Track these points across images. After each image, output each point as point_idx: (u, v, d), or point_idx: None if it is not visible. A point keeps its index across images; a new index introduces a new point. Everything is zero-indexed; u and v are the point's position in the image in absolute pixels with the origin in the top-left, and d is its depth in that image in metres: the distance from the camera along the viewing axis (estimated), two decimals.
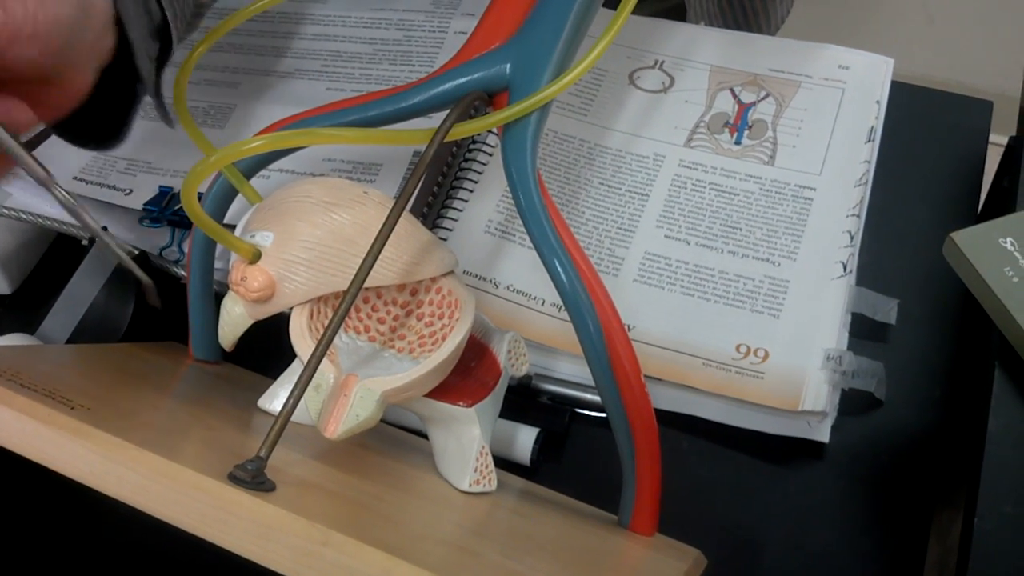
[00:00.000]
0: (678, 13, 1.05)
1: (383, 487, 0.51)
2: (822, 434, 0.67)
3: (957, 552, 0.60)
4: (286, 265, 0.53)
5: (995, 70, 2.10)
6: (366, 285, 0.51)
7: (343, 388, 0.50)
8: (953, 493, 0.67)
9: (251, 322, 0.56)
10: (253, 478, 0.43)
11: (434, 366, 0.52)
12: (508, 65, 0.60)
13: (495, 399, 0.58)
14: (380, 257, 0.51)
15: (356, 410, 0.49)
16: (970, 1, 2.15)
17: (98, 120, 0.65)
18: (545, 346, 0.71)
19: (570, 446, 0.70)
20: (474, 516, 0.53)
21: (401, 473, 0.56)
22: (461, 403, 0.55)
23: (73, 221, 0.77)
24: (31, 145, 0.64)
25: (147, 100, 0.67)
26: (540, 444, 0.68)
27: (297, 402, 0.47)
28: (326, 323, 0.53)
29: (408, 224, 0.56)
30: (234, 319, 0.56)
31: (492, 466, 0.57)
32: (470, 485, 0.56)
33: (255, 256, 0.53)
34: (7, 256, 0.79)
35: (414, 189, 0.52)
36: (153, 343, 0.71)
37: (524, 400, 0.71)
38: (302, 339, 0.53)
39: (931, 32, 2.22)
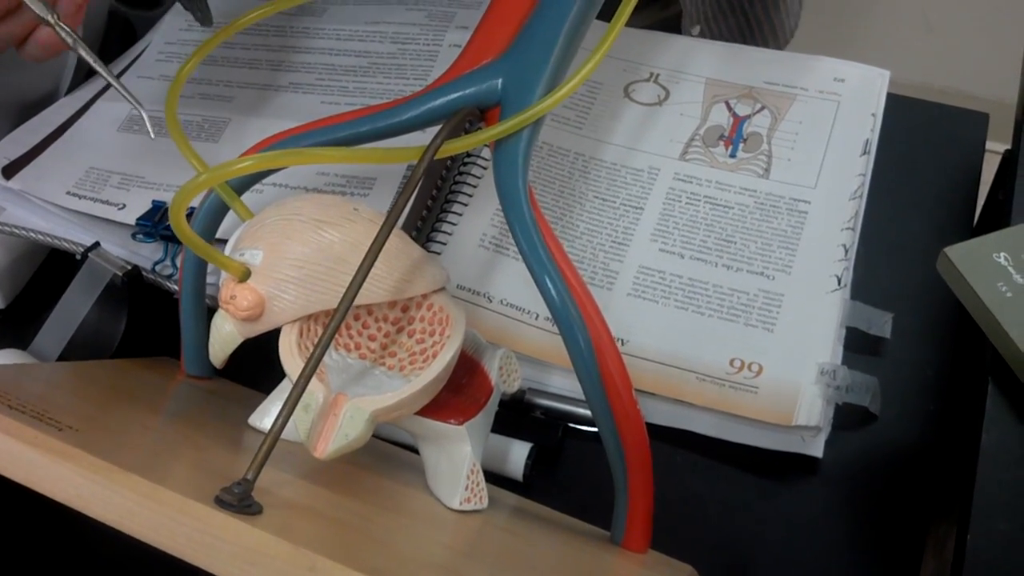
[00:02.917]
0: (674, 24, 1.05)
1: (372, 507, 0.51)
2: (816, 449, 0.67)
3: (951, 568, 0.60)
4: (275, 284, 0.53)
5: (993, 78, 2.10)
6: (356, 303, 0.51)
7: (332, 407, 0.50)
8: (949, 507, 0.67)
9: (241, 340, 0.56)
10: (239, 501, 0.43)
11: (424, 385, 0.52)
12: (500, 80, 0.60)
13: (486, 416, 0.57)
14: (370, 274, 0.51)
15: (345, 430, 0.49)
16: (968, 10, 2.15)
17: None
18: (538, 360, 0.71)
19: (563, 461, 0.70)
20: (464, 536, 0.53)
21: (391, 491, 0.56)
22: (452, 421, 0.55)
23: (66, 236, 0.77)
24: None
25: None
26: (533, 459, 0.68)
27: (285, 423, 0.46)
28: (316, 340, 0.53)
29: (399, 241, 0.56)
30: (224, 337, 0.55)
31: (483, 484, 0.57)
32: (461, 503, 0.55)
33: (244, 274, 0.53)
34: (0, 271, 0.79)
35: (403, 207, 0.52)
36: (145, 359, 0.70)
37: (517, 415, 0.70)
38: (291, 358, 0.52)
39: (929, 40, 2.22)
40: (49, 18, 0.66)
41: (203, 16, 0.79)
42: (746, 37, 1.05)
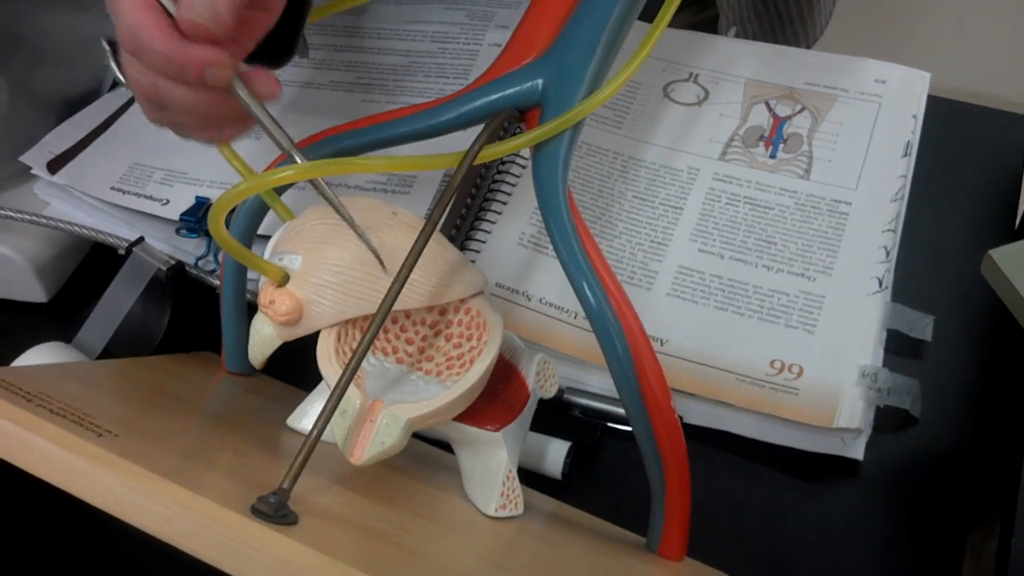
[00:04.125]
0: (710, 26, 1.05)
1: (407, 515, 0.51)
2: (856, 451, 0.67)
3: (993, 572, 0.60)
4: (314, 289, 0.53)
5: None
6: (394, 308, 0.51)
7: (369, 414, 0.50)
8: (988, 511, 0.67)
9: (280, 342, 0.56)
10: (275, 511, 0.43)
11: (460, 393, 0.52)
12: (541, 81, 0.59)
13: (523, 422, 0.57)
14: (408, 280, 0.51)
15: (381, 437, 0.49)
16: (1002, 14, 2.13)
17: (278, 37, 0.64)
18: (577, 359, 0.71)
19: (601, 460, 0.70)
20: (499, 544, 0.53)
21: (427, 497, 0.56)
22: (488, 427, 0.55)
23: (110, 231, 0.78)
24: None
25: None
26: (571, 458, 0.68)
27: (322, 432, 0.47)
28: (354, 345, 0.53)
29: (437, 246, 0.56)
30: (263, 339, 0.56)
31: (519, 490, 0.57)
32: (496, 510, 0.55)
33: (283, 279, 0.54)
34: (44, 265, 0.80)
35: (441, 214, 0.52)
36: (187, 354, 0.71)
37: (556, 413, 0.70)
38: (329, 363, 0.53)
39: (963, 45, 2.20)
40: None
41: (302, 48, 0.78)
42: (777, 35, 1.05)
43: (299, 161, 0.55)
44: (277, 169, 0.51)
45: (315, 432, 0.46)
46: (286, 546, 0.41)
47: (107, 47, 0.56)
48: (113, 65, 0.57)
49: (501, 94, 0.60)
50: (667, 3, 0.64)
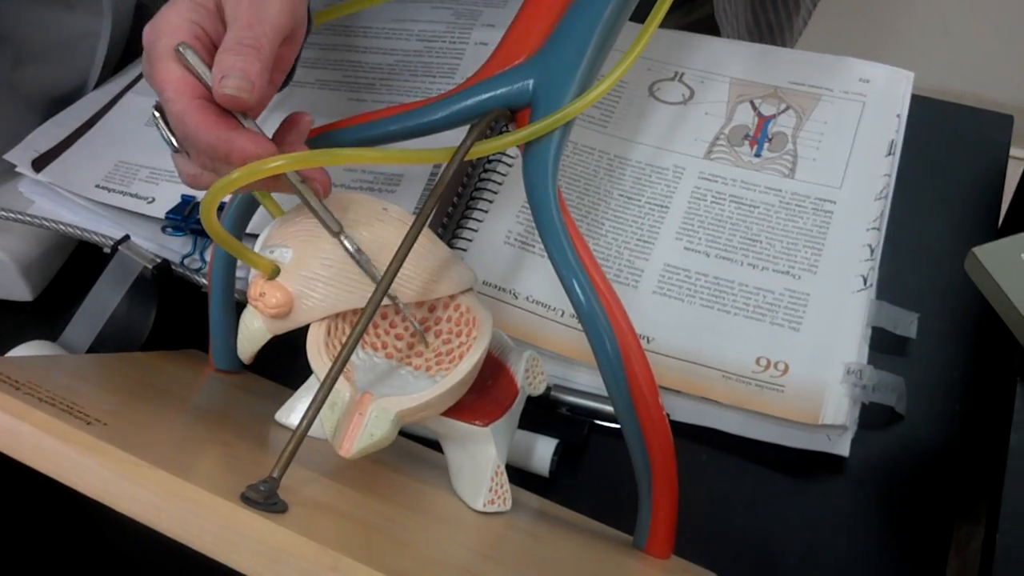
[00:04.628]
0: (703, 27, 1.05)
1: (396, 507, 0.51)
2: (842, 448, 0.67)
3: (978, 566, 0.60)
4: (304, 282, 0.53)
5: (1011, 82, 2.09)
6: (384, 303, 0.51)
7: (358, 407, 0.50)
8: (972, 507, 0.67)
9: (270, 336, 0.56)
10: (265, 499, 0.43)
11: (450, 387, 0.52)
12: (531, 81, 0.59)
13: (511, 418, 0.57)
14: (398, 275, 0.51)
15: (371, 429, 0.49)
16: (986, 13, 2.14)
17: None
18: (564, 357, 0.71)
19: (588, 457, 0.70)
20: (487, 538, 0.53)
21: (415, 491, 0.56)
22: (477, 422, 0.55)
23: (96, 229, 0.77)
24: None
25: None
26: (559, 455, 0.68)
27: (311, 422, 0.47)
28: (343, 339, 0.53)
29: (427, 241, 0.56)
30: (252, 333, 0.56)
31: (507, 486, 0.57)
32: (484, 505, 0.55)
33: (274, 272, 0.54)
34: (29, 263, 0.80)
35: (432, 209, 0.52)
36: (174, 352, 0.71)
37: (543, 411, 0.70)
38: (319, 356, 0.53)
39: (947, 44, 2.21)
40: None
41: None
42: (764, 40, 1.06)
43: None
44: (267, 159, 0.51)
45: (305, 422, 0.46)
46: (276, 533, 0.41)
47: (156, 114, 0.56)
48: (166, 131, 0.57)
49: (492, 93, 0.60)
50: (658, 5, 0.64)
